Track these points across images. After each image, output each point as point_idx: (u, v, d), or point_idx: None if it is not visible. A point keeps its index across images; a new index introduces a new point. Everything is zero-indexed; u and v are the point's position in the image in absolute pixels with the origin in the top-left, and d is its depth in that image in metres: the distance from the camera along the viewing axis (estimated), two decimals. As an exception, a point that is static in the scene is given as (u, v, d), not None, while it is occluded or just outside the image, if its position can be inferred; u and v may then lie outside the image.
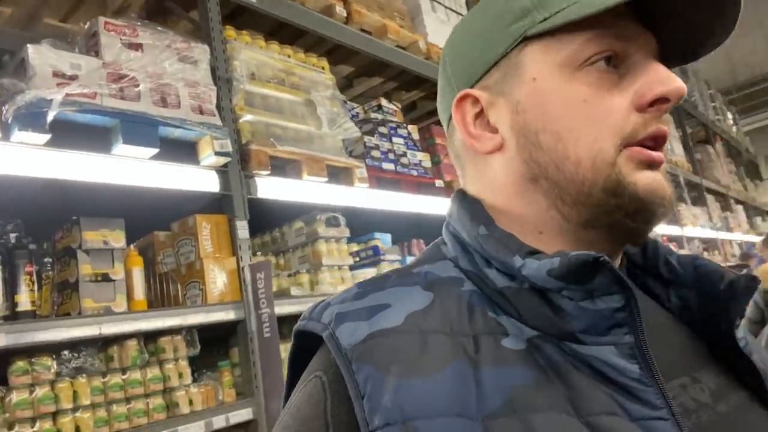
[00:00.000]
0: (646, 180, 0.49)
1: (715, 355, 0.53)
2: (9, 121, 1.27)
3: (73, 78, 1.37)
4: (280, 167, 1.92)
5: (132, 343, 1.44)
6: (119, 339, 1.45)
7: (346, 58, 2.60)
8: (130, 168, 1.47)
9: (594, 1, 0.48)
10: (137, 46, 1.53)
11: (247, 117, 1.86)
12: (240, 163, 1.77)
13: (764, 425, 0.50)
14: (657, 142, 0.50)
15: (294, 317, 1.81)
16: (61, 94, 1.31)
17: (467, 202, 0.56)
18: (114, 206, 1.54)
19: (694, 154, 7.10)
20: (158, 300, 1.81)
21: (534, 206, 0.53)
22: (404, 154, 2.43)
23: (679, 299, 0.55)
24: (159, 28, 1.61)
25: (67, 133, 1.37)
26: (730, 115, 9.78)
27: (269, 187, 1.82)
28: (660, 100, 0.49)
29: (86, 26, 1.49)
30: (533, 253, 0.48)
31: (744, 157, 10.29)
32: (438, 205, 2.50)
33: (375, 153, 2.29)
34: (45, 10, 1.99)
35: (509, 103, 0.54)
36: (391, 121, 2.45)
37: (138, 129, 1.46)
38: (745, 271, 0.55)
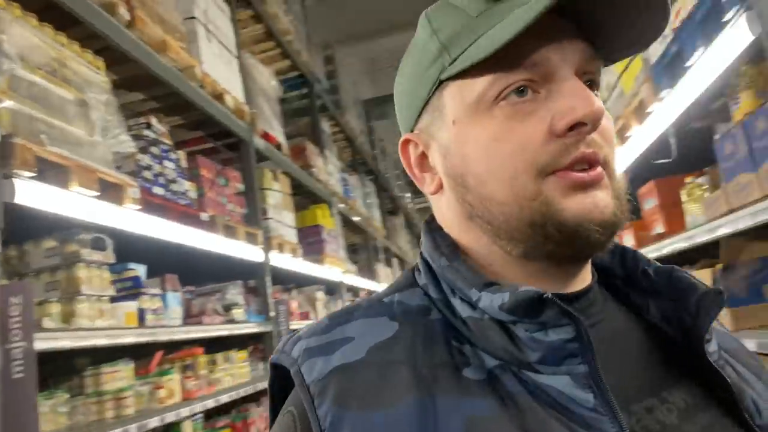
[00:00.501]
0: (575, 205, 0.48)
1: (692, 367, 0.52)
2: None
3: None
4: (43, 171, 1.59)
5: None
6: None
7: (115, 63, 2.32)
8: None
9: (493, 38, 0.48)
10: None
11: (8, 103, 1.51)
12: (-4, 157, 1.41)
13: None
14: (590, 164, 0.49)
15: (49, 354, 1.47)
16: None
17: (432, 232, 0.58)
18: None
19: (386, 222, 8.23)
20: None
21: (479, 241, 0.54)
22: (174, 181, 2.26)
23: (658, 310, 0.56)
24: None
25: None
26: (408, 194, 11.73)
27: (31, 193, 1.49)
28: (576, 125, 0.48)
29: None
30: (490, 284, 0.49)
31: (416, 229, 12.41)
32: (201, 239, 2.37)
33: (147, 174, 2.08)
34: None
35: (439, 147, 0.55)
36: (164, 143, 2.27)
37: None
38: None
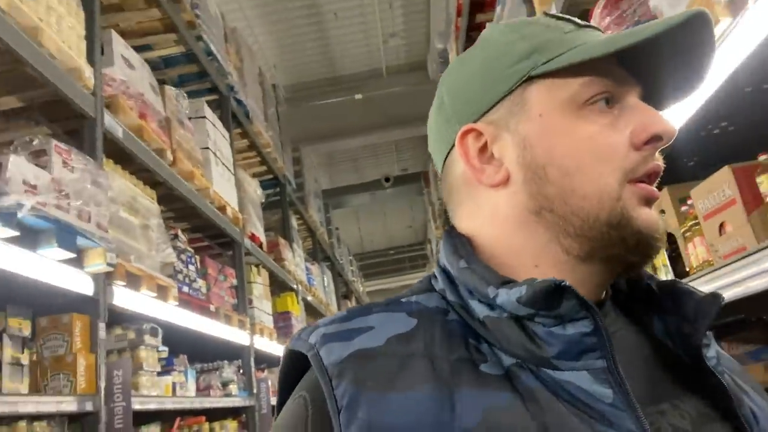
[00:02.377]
0: (645, 215, 0.51)
1: (698, 382, 0.52)
2: (-14, 215, 1.48)
3: (35, 187, 1.63)
4: (129, 281, 2.24)
5: (22, 424, 1.57)
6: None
7: (151, 185, 3.03)
8: (47, 265, 1.70)
9: (595, 47, 0.52)
10: (71, 168, 1.83)
11: (112, 234, 2.18)
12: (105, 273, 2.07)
13: None
14: (651, 179, 0.53)
15: (142, 414, 2.06)
16: (31, 201, 1.58)
17: (452, 238, 0.58)
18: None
19: (341, 305, 8.86)
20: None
21: (534, 239, 0.54)
22: (194, 280, 2.92)
23: (662, 324, 0.56)
24: (83, 155, 1.93)
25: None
26: (360, 278, 12.42)
27: (122, 297, 2.14)
28: (654, 139, 0.52)
29: (34, 142, 1.75)
30: (506, 282, 0.50)
31: (365, 312, 12.99)
32: (210, 326, 3.00)
33: (179, 276, 2.74)
34: None
35: (515, 138, 0.55)
36: (188, 251, 2.94)
37: (65, 236, 1.74)
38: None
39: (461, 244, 0.57)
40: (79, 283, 1.89)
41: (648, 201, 0.53)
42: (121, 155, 2.51)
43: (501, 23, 0.61)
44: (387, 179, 11.21)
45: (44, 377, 1.83)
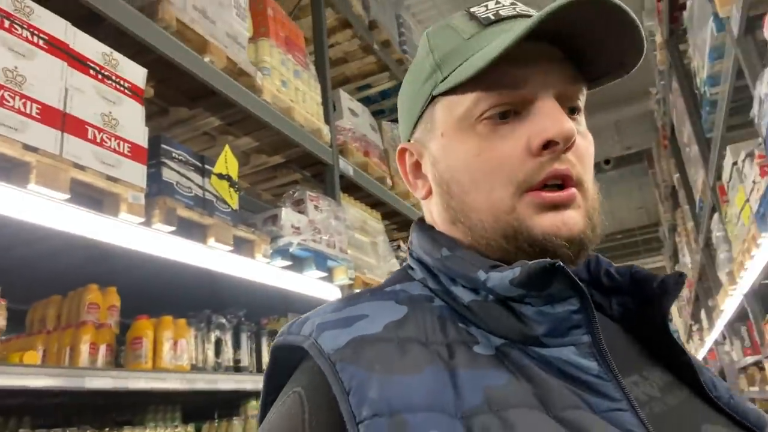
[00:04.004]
0: (545, 223, 0.52)
1: (656, 356, 0.56)
2: (271, 252, 2.16)
3: (298, 228, 2.29)
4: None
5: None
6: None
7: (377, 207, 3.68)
8: (310, 283, 2.37)
9: (477, 61, 0.52)
10: (320, 210, 2.49)
11: (351, 254, 2.83)
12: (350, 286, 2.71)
13: (709, 415, 0.52)
14: (565, 181, 0.52)
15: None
16: (297, 239, 2.24)
17: (424, 229, 0.62)
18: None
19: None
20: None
21: (466, 242, 0.58)
22: (416, 283, 3.47)
23: (620, 306, 0.59)
24: (327, 198, 2.58)
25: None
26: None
27: (361, 301, 2.77)
28: (550, 143, 0.52)
29: (295, 194, 2.43)
30: (495, 266, 0.52)
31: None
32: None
33: (404, 281, 3.32)
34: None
35: (430, 156, 0.60)
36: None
37: (320, 261, 2.39)
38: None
39: (438, 234, 0.59)
40: (331, 293, 2.54)
41: (551, 207, 0.53)
42: (352, 187, 3.17)
43: (429, 29, 0.61)
44: (607, 161, 10.71)
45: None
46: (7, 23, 1.47)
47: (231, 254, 1.96)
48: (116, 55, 1.78)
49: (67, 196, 1.50)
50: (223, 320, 2.13)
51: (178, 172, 1.93)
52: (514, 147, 0.53)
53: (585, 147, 0.56)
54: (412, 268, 0.62)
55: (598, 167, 10.58)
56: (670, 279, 0.57)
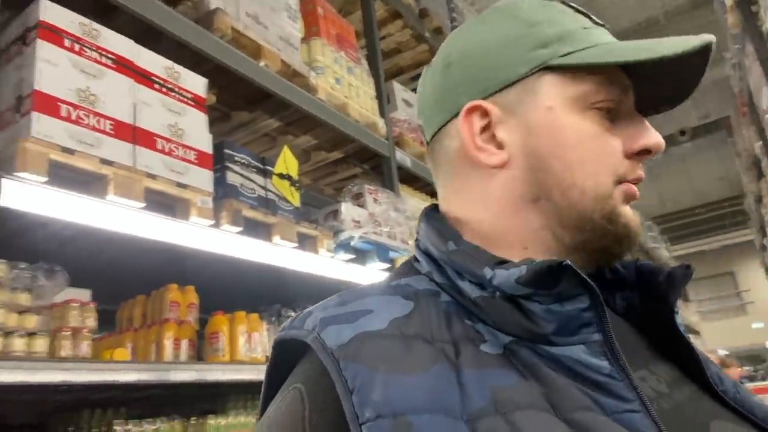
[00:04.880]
0: (629, 213, 0.55)
1: (662, 351, 0.56)
2: (334, 247, 2.23)
3: (359, 222, 2.34)
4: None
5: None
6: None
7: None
8: (373, 274, 2.42)
9: (613, 51, 0.53)
10: (379, 203, 2.53)
11: (413, 244, 2.86)
12: (411, 273, 2.75)
13: (717, 411, 0.52)
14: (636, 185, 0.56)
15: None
16: (358, 232, 2.29)
17: (433, 220, 0.59)
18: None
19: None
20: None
21: (526, 224, 0.55)
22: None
23: (624, 301, 0.59)
24: (386, 190, 2.62)
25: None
26: (663, 243, 11.50)
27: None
28: (644, 151, 0.55)
29: (354, 189, 2.49)
30: (501, 263, 0.51)
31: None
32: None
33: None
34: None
35: (522, 125, 0.56)
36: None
37: (382, 253, 2.43)
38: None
39: (444, 227, 0.58)
40: (395, 283, 2.58)
41: (630, 200, 0.56)
42: (410, 177, 3.19)
43: (517, 2, 0.60)
44: (682, 132, 10.16)
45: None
46: (77, 47, 1.60)
47: (295, 250, 2.04)
48: (178, 67, 1.88)
49: (143, 205, 1.62)
50: (292, 313, 2.22)
51: (242, 175, 2.03)
52: (616, 144, 0.55)
53: None
54: (417, 260, 0.60)
55: (672, 139, 10.05)
56: (677, 272, 0.56)
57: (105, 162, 1.56)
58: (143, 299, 2.17)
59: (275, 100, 2.29)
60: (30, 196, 1.39)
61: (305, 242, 2.14)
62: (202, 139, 1.90)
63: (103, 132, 1.59)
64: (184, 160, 1.81)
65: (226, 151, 2.01)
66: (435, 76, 0.61)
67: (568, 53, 0.54)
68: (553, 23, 0.56)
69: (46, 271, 1.49)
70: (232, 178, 1.99)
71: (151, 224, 1.65)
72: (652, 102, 0.60)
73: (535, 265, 0.47)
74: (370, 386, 0.43)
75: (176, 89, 1.88)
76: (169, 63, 1.87)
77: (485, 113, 0.57)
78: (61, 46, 1.56)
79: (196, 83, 1.96)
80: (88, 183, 1.55)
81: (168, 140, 1.78)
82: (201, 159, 1.86)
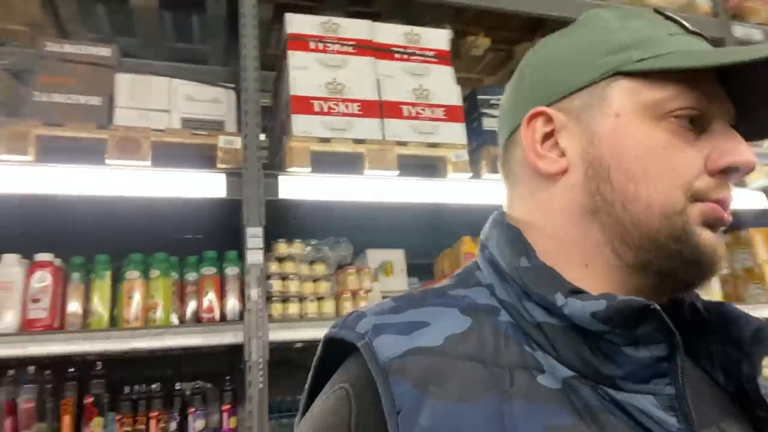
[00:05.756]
0: (707, 236, 0.49)
1: (739, 406, 0.52)
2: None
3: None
4: None
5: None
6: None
7: None
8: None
9: (695, 56, 0.49)
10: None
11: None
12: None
13: None
14: (725, 210, 0.50)
15: None
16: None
17: (508, 229, 0.55)
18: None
19: None
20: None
21: (587, 239, 0.52)
22: None
23: (702, 345, 0.54)
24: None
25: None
26: None
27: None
28: (730, 169, 0.49)
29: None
30: (576, 291, 0.47)
31: None
32: None
33: None
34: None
35: (585, 132, 0.53)
36: None
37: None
38: None
39: (519, 239, 0.53)
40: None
41: (712, 224, 0.49)
42: None
43: (610, 8, 0.57)
44: None
45: (740, 288, 2.11)
46: (321, 45, 1.80)
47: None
48: (417, 29, 1.91)
49: (397, 172, 1.73)
50: None
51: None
52: (697, 156, 0.50)
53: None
54: (479, 269, 0.56)
55: None
56: (764, 327, 0.51)
57: (357, 141, 1.73)
58: (449, 252, 2.33)
59: (554, 24, 2.09)
60: (300, 186, 1.67)
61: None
62: (450, 94, 1.89)
63: (353, 115, 1.76)
64: (432, 119, 1.84)
65: (480, 97, 1.95)
66: (509, 93, 0.60)
67: (643, 59, 0.51)
68: (635, 30, 0.53)
69: (333, 243, 1.77)
70: (488, 123, 1.92)
71: (406, 188, 1.76)
72: (757, 122, 0.55)
73: (618, 302, 0.44)
74: (417, 409, 0.42)
75: (417, 52, 1.91)
76: (407, 28, 1.92)
77: (549, 119, 0.54)
78: (307, 49, 1.79)
79: (438, 38, 1.95)
80: (346, 163, 1.75)
81: (414, 104, 1.84)
82: (450, 114, 1.86)
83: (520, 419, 0.42)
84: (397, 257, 2.21)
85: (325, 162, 1.73)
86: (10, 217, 1.55)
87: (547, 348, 0.47)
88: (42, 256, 1.47)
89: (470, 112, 1.91)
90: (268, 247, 1.72)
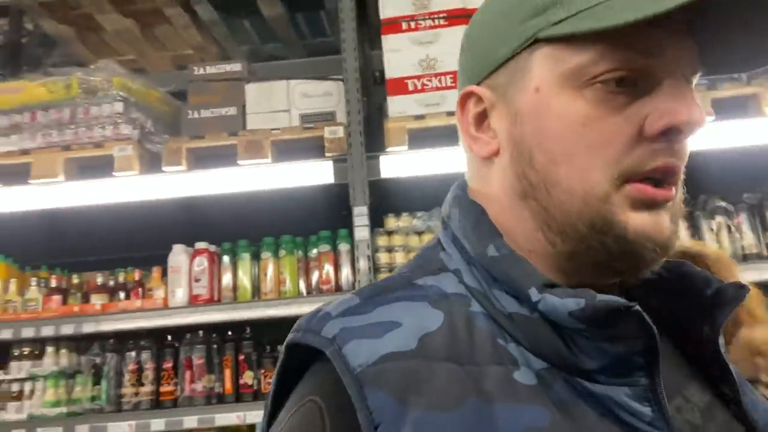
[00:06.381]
0: (639, 221, 0.44)
1: (698, 365, 0.51)
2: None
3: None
4: None
5: None
6: None
7: None
8: None
9: (619, 11, 0.41)
10: None
11: None
12: None
13: None
14: (666, 177, 0.44)
15: None
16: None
17: (470, 207, 0.51)
18: None
19: None
20: None
21: (524, 224, 0.48)
22: None
23: (659, 303, 0.51)
24: None
25: None
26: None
27: None
28: (672, 131, 0.43)
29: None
30: (550, 285, 0.44)
31: None
32: None
33: None
34: None
35: (509, 110, 0.48)
36: None
37: None
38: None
39: (481, 218, 0.50)
40: None
41: (647, 204, 0.44)
42: None
43: None
44: None
45: None
46: (413, 24, 1.87)
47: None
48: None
49: (493, 138, 1.73)
50: (723, 204, 1.73)
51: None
52: (627, 124, 0.44)
53: (688, 143, 0.47)
54: (443, 249, 0.52)
55: None
56: (728, 289, 0.49)
57: (450, 114, 1.78)
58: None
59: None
60: (398, 163, 1.79)
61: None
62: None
63: (445, 88, 1.81)
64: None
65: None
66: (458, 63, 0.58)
67: (561, 20, 0.44)
68: None
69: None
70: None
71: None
72: (728, 57, 0.48)
73: (598, 302, 0.41)
74: (398, 424, 0.39)
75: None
76: (501, -14, 1.85)
77: (479, 99, 0.51)
78: (400, 31, 1.87)
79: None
80: (441, 137, 1.81)
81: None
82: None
83: (502, 422, 0.40)
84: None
85: (423, 137, 1.82)
86: (173, 215, 1.97)
87: (518, 338, 0.45)
88: (200, 245, 1.85)
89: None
90: (381, 223, 1.90)
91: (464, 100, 0.52)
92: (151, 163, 1.92)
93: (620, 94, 0.44)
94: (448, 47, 1.84)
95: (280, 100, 2.00)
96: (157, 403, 1.78)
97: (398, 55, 1.86)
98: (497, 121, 0.50)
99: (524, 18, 0.46)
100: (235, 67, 2.09)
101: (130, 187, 1.84)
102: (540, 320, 0.44)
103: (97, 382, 1.86)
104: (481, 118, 0.51)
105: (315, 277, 1.82)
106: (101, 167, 1.88)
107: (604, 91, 0.44)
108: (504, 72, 0.49)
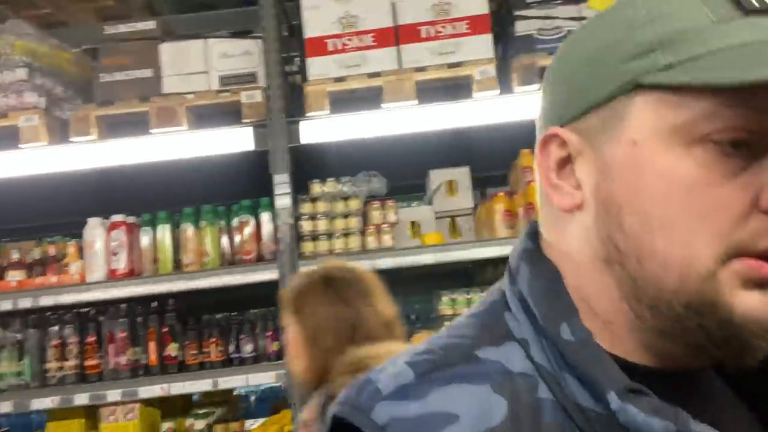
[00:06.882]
0: (749, 303, 0.38)
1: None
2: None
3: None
4: None
5: None
6: None
7: None
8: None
9: (740, 61, 0.36)
10: None
11: None
12: None
13: None
14: None
15: None
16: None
17: (543, 269, 0.45)
18: None
19: None
20: None
21: (606, 292, 0.43)
22: None
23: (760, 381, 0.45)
24: None
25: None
26: None
27: None
28: None
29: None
30: (634, 390, 0.38)
31: None
32: None
33: None
34: None
35: (598, 162, 0.42)
36: None
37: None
38: None
39: (553, 286, 0.45)
40: None
41: (760, 284, 0.38)
42: None
43: None
44: None
45: None
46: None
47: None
48: (436, -66, 1.73)
49: (415, 102, 1.69)
50: None
51: (538, 17, 1.72)
52: (741, 193, 0.38)
53: None
54: (508, 308, 0.46)
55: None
56: None
57: (372, 75, 1.72)
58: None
59: None
60: (319, 129, 1.73)
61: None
62: (475, 2, 1.72)
63: (366, 48, 1.73)
64: (453, 36, 1.72)
65: (513, -2, 1.76)
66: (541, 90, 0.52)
67: (670, 65, 0.39)
68: (665, 18, 0.40)
69: (366, 177, 1.83)
70: (522, 27, 1.74)
71: (425, 116, 1.71)
72: None
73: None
74: None
75: (437, -39, 1.76)
76: (424, -65, 1.76)
77: (563, 143, 0.45)
78: (318, -14, 1.77)
79: (462, -62, 1.76)
80: (364, 99, 1.75)
81: (433, 23, 1.73)
82: (475, 25, 1.72)
83: None
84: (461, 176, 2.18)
85: (346, 100, 1.76)
86: (86, 187, 1.90)
87: None
88: (117, 217, 1.80)
89: (498, 21, 1.73)
90: (306, 189, 1.86)
91: (546, 142, 0.46)
92: (63, 132, 1.83)
93: (735, 156, 0.38)
94: (368, 3, 1.75)
95: (198, 61, 1.90)
96: (83, 377, 1.77)
97: (317, 13, 1.77)
98: (583, 170, 0.44)
99: (623, 58, 0.41)
100: (149, 25, 1.97)
101: (37, 159, 1.75)
102: (615, 421, 0.39)
103: (21, 357, 1.83)
104: (564, 162, 0.45)
105: (237, 246, 1.79)
106: (6, 138, 1.78)
107: (717, 152, 0.38)
108: (595, 116, 0.43)
